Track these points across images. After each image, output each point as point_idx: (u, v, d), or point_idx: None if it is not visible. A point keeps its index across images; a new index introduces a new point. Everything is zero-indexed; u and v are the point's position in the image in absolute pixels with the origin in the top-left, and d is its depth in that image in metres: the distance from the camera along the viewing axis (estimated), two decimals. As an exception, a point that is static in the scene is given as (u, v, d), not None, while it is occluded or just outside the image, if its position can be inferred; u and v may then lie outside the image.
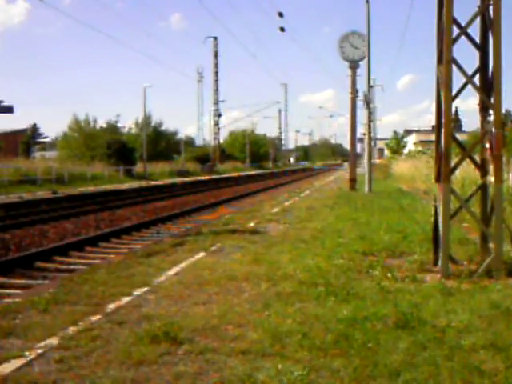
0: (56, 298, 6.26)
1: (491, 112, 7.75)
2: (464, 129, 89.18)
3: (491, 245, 7.70)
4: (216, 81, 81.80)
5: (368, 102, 28.91)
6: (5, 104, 31.86)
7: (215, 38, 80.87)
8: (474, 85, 7.87)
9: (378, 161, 70.04)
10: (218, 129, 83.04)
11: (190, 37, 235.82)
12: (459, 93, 8.01)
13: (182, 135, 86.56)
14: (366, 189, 26.58)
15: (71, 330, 5.14)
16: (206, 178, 53.15)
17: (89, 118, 64.70)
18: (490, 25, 7.64)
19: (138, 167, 53.34)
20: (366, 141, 30.29)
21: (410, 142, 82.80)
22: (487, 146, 7.98)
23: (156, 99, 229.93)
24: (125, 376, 4.07)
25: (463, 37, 7.84)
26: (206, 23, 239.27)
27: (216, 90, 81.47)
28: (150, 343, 4.72)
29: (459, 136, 9.66)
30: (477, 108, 8.12)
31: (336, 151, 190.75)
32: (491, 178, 7.83)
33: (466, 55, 8.62)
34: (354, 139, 30.24)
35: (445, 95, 7.58)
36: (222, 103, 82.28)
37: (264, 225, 13.36)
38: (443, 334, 4.89)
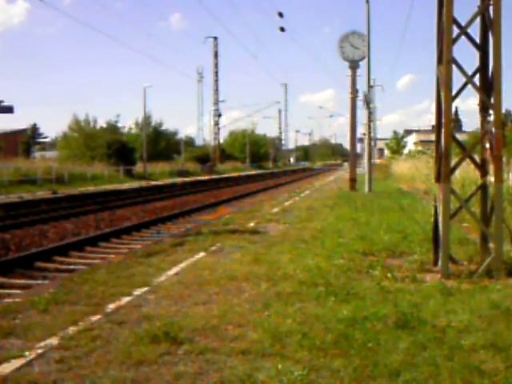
0: (56, 298, 6.26)
1: (491, 112, 7.75)
2: (464, 129, 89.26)
3: (491, 245, 7.70)
4: (216, 81, 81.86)
5: (368, 101, 28.92)
6: (5, 104, 31.85)
7: (215, 38, 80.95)
8: (474, 85, 7.87)
9: (378, 161, 70.07)
10: (218, 129, 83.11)
11: (189, 37, 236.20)
12: (459, 93, 8.01)
13: (181, 135, 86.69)
14: (366, 189, 26.59)
15: (71, 330, 5.14)
16: (206, 178, 53.16)
17: (89, 118, 64.81)
18: (489, 25, 7.64)
19: (138, 167, 53.35)
20: (366, 141, 30.30)
21: (410, 141, 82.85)
22: (487, 146, 7.98)
23: (156, 99, 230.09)
24: (125, 376, 4.07)
25: (463, 37, 7.84)
26: (206, 23, 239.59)
27: (216, 90, 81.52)
28: (150, 343, 4.72)
29: (459, 136, 9.66)
30: (477, 108, 8.13)
31: (336, 151, 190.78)
32: (491, 178, 7.83)
33: (466, 55, 8.63)
34: (353, 139, 30.24)
35: (445, 95, 7.58)
36: (222, 103, 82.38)
37: (264, 225, 13.36)
38: (443, 333, 4.89)
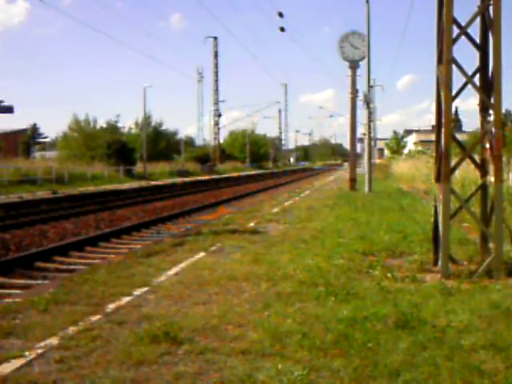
0: (56, 298, 6.26)
1: (491, 112, 7.75)
2: (464, 129, 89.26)
3: (491, 245, 7.70)
4: (216, 81, 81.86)
5: (368, 101, 28.92)
6: (5, 104, 31.86)
7: (215, 38, 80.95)
8: (474, 85, 7.87)
9: (378, 161, 70.06)
10: (218, 129, 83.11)
11: (189, 37, 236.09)
12: (459, 93, 8.01)
13: (181, 135, 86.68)
14: (366, 189, 26.59)
15: (71, 330, 5.14)
16: (206, 178, 53.16)
17: (89, 118, 64.83)
18: (489, 25, 7.64)
19: (138, 167, 53.35)
20: (366, 141, 30.30)
21: (410, 141, 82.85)
22: (487, 146, 7.98)
23: (156, 99, 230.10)
24: (125, 376, 4.07)
25: (463, 37, 7.84)
26: (206, 23, 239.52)
27: (216, 90, 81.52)
28: (150, 343, 4.72)
29: (459, 136, 9.65)
30: (477, 108, 8.12)
31: (336, 151, 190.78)
32: (491, 178, 7.83)
33: (466, 55, 8.63)
34: (353, 139, 30.24)
35: (445, 95, 7.58)
36: (222, 103, 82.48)
37: (264, 225, 13.36)
38: (443, 334, 4.89)
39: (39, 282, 9.01)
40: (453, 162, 7.94)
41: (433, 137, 8.58)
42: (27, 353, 4.55)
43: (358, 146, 49.84)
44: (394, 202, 18.38)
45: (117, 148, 52.12)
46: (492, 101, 7.64)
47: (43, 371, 4.19)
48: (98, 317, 5.56)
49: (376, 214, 14.60)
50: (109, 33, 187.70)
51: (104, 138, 56.68)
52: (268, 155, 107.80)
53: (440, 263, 7.50)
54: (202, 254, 9.21)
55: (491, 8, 7.57)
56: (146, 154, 52.24)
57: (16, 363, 4.34)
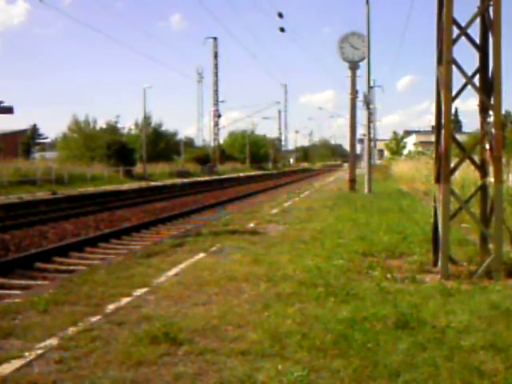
0: (56, 299, 6.25)
1: (491, 113, 7.75)
2: (464, 130, 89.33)
3: (491, 245, 7.70)
4: (216, 81, 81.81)
5: (368, 102, 28.93)
6: (5, 105, 31.87)
7: (215, 39, 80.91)
8: (473, 85, 7.87)
9: (377, 161, 70.09)
10: (218, 129, 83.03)
11: (189, 37, 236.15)
12: (459, 93, 8.01)
13: (181, 136, 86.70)
14: (366, 189, 26.59)
15: (71, 330, 5.14)
16: (206, 178, 53.17)
17: (88, 118, 64.99)
18: (489, 25, 7.65)
19: (138, 168, 53.38)
20: (366, 141, 30.31)
21: (410, 142, 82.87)
22: (487, 146, 7.98)
23: (156, 100, 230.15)
24: (124, 377, 4.07)
25: (463, 37, 7.84)
26: (205, 24, 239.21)
27: (216, 91, 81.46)
28: (150, 344, 4.72)
29: (459, 137, 9.65)
30: (477, 109, 8.12)
31: (336, 152, 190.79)
32: (491, 179, 7.84)
33: (466, 56, 8.63)
34: (353, 140, 30.24)
35: (445, 96, 7.58)
36: (222, 104, 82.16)
37: (264, 225, 13.36)
38: (443, 334, 4.89)
39: (39, 282, 9.02)
40: (452, 163, 7.94)
41: (433, 138, 8.58)
42: (27, 353, 4.55)
43: (358, 147, 49.91)
44: (393, 203, 18.38)
45: (116, 149, 52.14)
46: (492, 102, 7.64)
47: (43, 372, 4.19)
48: (97, 317, 5.56)
49: (376, 215, 14.60)
50: (109, 33, 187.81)
51: (104, 138, 56.73)
52: (268, 156, 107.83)
53: (440, 264, 7.50)
54: (201, 254, 9.21)
55: (491, 8, 7.58)
56: (145, 155, 52.26)
57: (16, 364, 4.34)
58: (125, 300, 6.22)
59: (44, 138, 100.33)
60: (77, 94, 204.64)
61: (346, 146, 56.11)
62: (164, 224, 17.39)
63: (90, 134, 62.29)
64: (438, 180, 7.95)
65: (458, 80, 7.76)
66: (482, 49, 8.00)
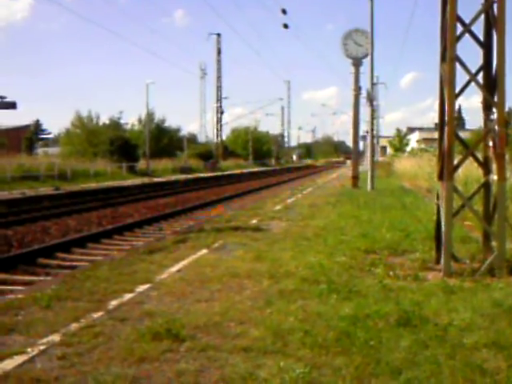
0: (58, 295, 6.27)
1: (494, 110, 7.73)
2: (467, 127, 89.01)
3: (494, 243, 7.69)
4: (219, 77, 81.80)
5: (371, 99, 28.89)
6: (8, 100, 31.89)
7: (218, 35, 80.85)
8: (477, 83, 7.85)
9: (380, 158, 70.01)
10: (221, 126, 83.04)
11: (193, 33, 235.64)
12: (462, 91, 7.99)
13: (184, 132, 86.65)
14: (369, 186, 26.58)
15: (73, 326, 5.15)
16: (209, 175, 53.19)
17: (91, 114, 64.93)
18: (494, 22, 7.62)
19: (141, 164, 53.42)
20: (369, 138, 30.26)
21: (413, 139, 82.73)
22: (490, 144, 7.96)
23: (159, 96, 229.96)
24: (127, 373, 4.08)
25: (467, 34, 7.82)
26: (209, 20, 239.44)
27: (219, 87, 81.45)
28: (152, 340, 4.72)
29: (462, 134, 9.64)
30: (480, 106, 8.11)
31: (338, 148, 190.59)
32: (494, 176, 7.82)
33: (470, 53, 8.60)
34: (356, 137, 30.19)
35: (448, 93, 7.56)
36: (225, 100, 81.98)
37: (266, 222, 13.36)
38: (445, 332, 4.89)
39: (42, 278, 9.03)
40: (456, 160, 7.93)
41: (436, 135, 8.56)
42: (29, 349, 4.56)
43: (361, 144, 49.88)
44: (396, 200, 18.36)
45: (119, 144, 52.13)
46: (495, 99, 7.62)
47: (45, 368, 4.20)
48: (100, 313, 5.57)
49: (378, 212, 14.59)
50: (112, 29, 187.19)
51: (107, 134, 56.68)
52: (271, 152, 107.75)
53: (442, 261, 7.49)
54: (204, 251, 9.22)
55: (495, 6, 7.55)
56: (148, 151, 52.30)
57: (18, 359, 4.35)
58: (127, 296, 6.24)
59: (47, 134, 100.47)
60: (80, 90, 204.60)
61: (349, 143, 56.10)
62: (166, 220, 17.40)
63: (92, 129, 62.26)
64: (440, 177, 7.93)
65: (461, 77, 7.76)
66: (486, 46, 7.97)
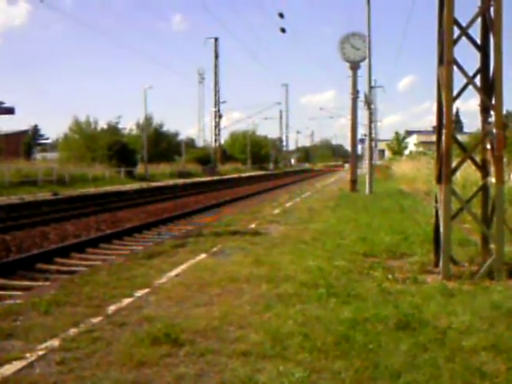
0: (57, 300, 6.26)
1: (492, 113, 7.75)
2: (465, 130, 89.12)
3: (492, 246, 7.69)
4: (217, 82, 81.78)
5: (369, 102, 28.92)
6: (6, 105, 31.91)
7: (216, 39, 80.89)
8: (474, 86, 7.87)
9: (378, 162, 70.07)
10: (219, 130, 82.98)
11: (191, 38, 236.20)
12: (460, 94, 8.01)
13: (182, 136, 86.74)
14: (367, 190, 26.59)
15: (72, 331, 5.14)
16: (207, 179, 53.19)
17: (89, 119, 64.85)
18: (490, 25, 7.64)
19: (139, 168, 53.39)
20: (367, 142, 30.30)
21: (411, 142, 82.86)
22: (488, 146, 7.98)
23: (157, 100, 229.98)
24: (126, 378, 4.07)
25: (464, 37, 7.84)
26: (206, 24, 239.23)
27: (217, 91, 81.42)
28: (151, 345, 4.72)
29: (460, 137, 9.65)
30: (478, 109, 8.12)
31: (337, 152, 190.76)
32: (492, 179, 7.83)
33: (467, 56, 8.63)
34: (354, 140, 30.26)
35: (446, 96, 7.58)
36: (223, 104, 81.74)
37: (265, 226, 13.36)
38: (444, 335, 4.89)
39: (40, 283, 9.02)
40: (454, 163, 7.94)
41: (434, 138, 8.57)
42: (28, 354, 4.55)
43: (359, 147, 49.91)
44: (394, 203, 18.37)
45: (118, 149, 52.14)
46: (493, 102, 7.64)
47: (44, 373, 4.19)
48: (99, 318, 5.56)
49: (377, 216, 14.60)
50: (109, 34, 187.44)
51: (105, 139, 56.70)
52: (269, 156, 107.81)
53: (441, 264, 7.49)
54: (203, 255, 9.21)
55: (492, 9, 7.57)
56: (146, 156, 52.27)
57: (17, 365, 4.34)
58: (126, 301, 6.23)
59: (45, 139, 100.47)
60: (78, 95, 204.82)
61: (347, 147, 56.09)
62: (165, 225, 17.39)
63: (91, 134, 62.24)
64: (439, 180, 7.94)
65: (458, 80, 7.77)
66: (483, 49, 7.99)
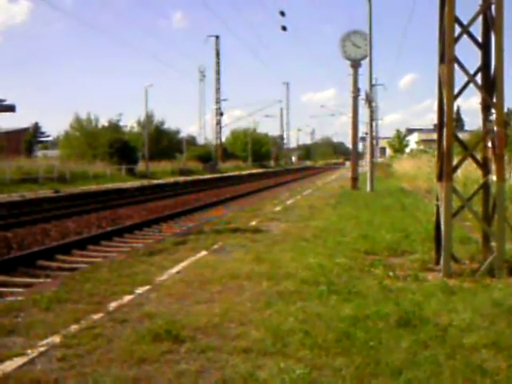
0: (58, 297, 6.26)
1: (493, 111, 7.74)
2: (466, 128, 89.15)
3: (493, 243, 7.69)
4: (218, 80, 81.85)
5: (370, 100, 28.90)
6: (7, 103, 31.91)
7: (217, 37, 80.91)
8: (475, 84, 7.86)
9: (380, 160, 70.06)
10: (220, 128, 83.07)
11: (191, 36, 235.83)
12: (461, 92, 8.00)
13: (183, 134, 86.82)
14: (368, 188, 26.58)
15: (73, 328, 5.15)
16: (208, 176, 53.20)
17: (90, 116, 64.86)
18: (492, 23, 7.63)
19: (140, 166, 53.42)
20: (368, 140, 30.30)
21: (412, 140, 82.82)
22: (489, 144, 7.97)
23: (158, 98, 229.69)
24: (127, 374, 4.08)
25: (465, 36, 7.83)
26: (207, 22, 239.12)
27: (218, 89, 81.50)
28: (152, 341, 4.72)
29: (461, 135, 9.64)
30: (479, 107, 8.11)
31: (338, 150, 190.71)
32: (493, 177, 7.82)
33: (468, 54, 8.62)
34: (355, 138, 30.22)
35: (447, 94, 7.57)
36: (224, 102, 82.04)
37: (266, 223, 13.36)
38: (445, 332, 4.89)
39: (41, 280, 9.03)
40: (455, 161, 7.93)
41: (435, 136, 8.57)
42: (29, 351, 4.56)
43: (360, 145, 49.90)
44: (395, 201, 18.37)
45: (119, 147, 52.16)
46: (494, 100, 7.63)
47: (45, 369, 4.20)
48: (100, 315, 5.57)
49: (378, 213, 14.59)
50: (110, 32, 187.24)
51: (106, 136, 56.68)
52: (270, 154, 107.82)
53: (442, 262, 7.49)
54: (203, 252, 9.22)
55: (493, 6, 7.56)
56: (147, 153, 52.29)
57: (18, 361, 4.35)
58: (127, 298, 6.24)
59: (46, 136, 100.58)
60: (79, 92, 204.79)
61: (348, 144, 56.09)
62: (166, 222, 17.40)
63: (92, 132, 62.21)
64: (440, 178, 7.94)
65: (459, 78, 7.77)
66: (484, 47, 7.98)
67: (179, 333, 4.89)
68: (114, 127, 67.39)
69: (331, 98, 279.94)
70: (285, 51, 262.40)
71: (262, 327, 5.07)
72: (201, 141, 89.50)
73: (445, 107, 7.65)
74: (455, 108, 8.03)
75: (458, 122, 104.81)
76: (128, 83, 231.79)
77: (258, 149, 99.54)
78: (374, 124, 37.89)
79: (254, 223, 13.48)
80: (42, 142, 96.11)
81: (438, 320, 5.23)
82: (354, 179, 28.16)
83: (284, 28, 37.93)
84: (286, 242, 10.10)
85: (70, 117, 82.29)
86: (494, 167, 7.81)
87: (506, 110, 9.17)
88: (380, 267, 7.65)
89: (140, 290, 6.56)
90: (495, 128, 7.51)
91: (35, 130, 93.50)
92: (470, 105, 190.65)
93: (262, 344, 4.63)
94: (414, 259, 8.27)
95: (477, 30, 7.99)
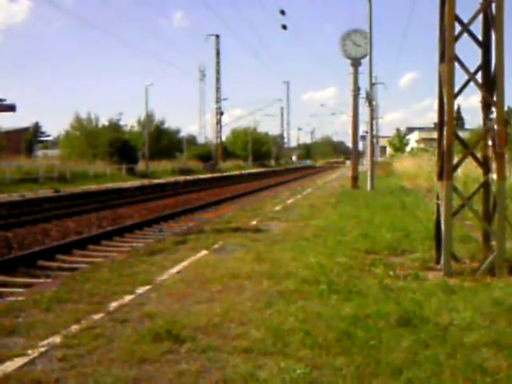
0: (58, 297, 6.26)
1: (494, 109, 7.74)
2: (466, 126, 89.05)
3: (494, 242, 7.69)
4: (218, 79, 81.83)
5: (370, 99, 28.89)
6: (7, 102, 31.92)
7: (217, 36, 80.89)
8: (476, 82, 7.85)
9: (380, 158, 70.05)
10: (220, 127, 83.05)
11: (192, 35, 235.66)
12: (461, 90, 7.99)
13: (184, 133, 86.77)
14: (369, 187, 26.58)
15: (74, 328, 5.15)
16: (209, 176, 53.20)
17: (91, 116, 64.81)
18: (492, 22, 7.62)
19: (140, 165, 53.41)
20: (369, 138, 30.29)
21: (413, 139, 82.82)
22: (490, 143, 7.97)
23: (158, 97, 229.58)
24: (127, 374, 4.08)
25: (465, 34, 7.82)
26: (208, 21, 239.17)
27: (218, 88, 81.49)
28: (153, 341, 4.72)
29: (461, 134, 9.63)
30: (479, 106, 8.11)
31: (338, 149, 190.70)
32: (494, 176, 7.82)
33: (469, 53, 8.61)
34: (356, 137, 30.22)
35: (447, 93, 7.56)
36: (225, 101, 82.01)
37: (266, 223, 13.36)
38: (445, 331, 4.89)
39: (42, 280, 9.03)
40: (455, 160, 7.93)
41: (435, 134, 8.57)
42: (30, 351, 4.56)
43: (361, 144, 49.90)
44: (396, 200, 18.36)
45: (119, 146, 52.13)
46: (494, 98, 7.63)
47: (46, 369, 4.20)
48: (100, 315, 5.57)
49: (378, 212, 14.59)
50: (110, 31, 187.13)
51: (106, 136, 56.63)
52: (270, 153, 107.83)
53: (442, 261, 7.49)
54: (204, 252, 9.22)
55: (494, 5, 7.56)
56: (148, 152, 52.30)
57: (19, 361, 4.35)
58: (128, 298, 6.23)
59: (46, 136, 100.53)
60: (79, 92, 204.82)
61: (349, 143, 56.05)
62: (166, 221, 17.39)
63: (92, 131, 62.17)
64: (440, 177, 7.94)
65: (460, 77, 7.77)
66: (485, 45, 7.98)
67: (180, 333, 4.89)
68: (115, 127, 67.34)
69: (331, 96, 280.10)
70: (285, 50, 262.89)
71: (262, 327, 5.06)
72: (201, 140, 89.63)
73: (445, 106, 7.64)
74: (456, 106, 8.03)
75: (459, 120, 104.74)
76: (128, 82, 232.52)
77: (258, 148, 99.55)
78: (374, 123, 37.90)
79: (254, 222, 13.48)
80: (42, 141, 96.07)
81: (439, 319, 5.23)
82: (355, 178, 28.14)
83: (284, 27, 37.94)
84: (286, 242, 10.10)
85: (70, 116, 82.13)
86: (494, 166, 7.80)
87: (506, 108, 9.17)
88: (380, 266, 7.64)
89: (140, 290, 6.56)
90: (496, 126, 7.51)
91: (35, 130, 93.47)
92: (470, 103, 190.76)
93: (263, 344, 4.63)
94: (415, 258, 8.27)
95: (477, 28, 7.99)
